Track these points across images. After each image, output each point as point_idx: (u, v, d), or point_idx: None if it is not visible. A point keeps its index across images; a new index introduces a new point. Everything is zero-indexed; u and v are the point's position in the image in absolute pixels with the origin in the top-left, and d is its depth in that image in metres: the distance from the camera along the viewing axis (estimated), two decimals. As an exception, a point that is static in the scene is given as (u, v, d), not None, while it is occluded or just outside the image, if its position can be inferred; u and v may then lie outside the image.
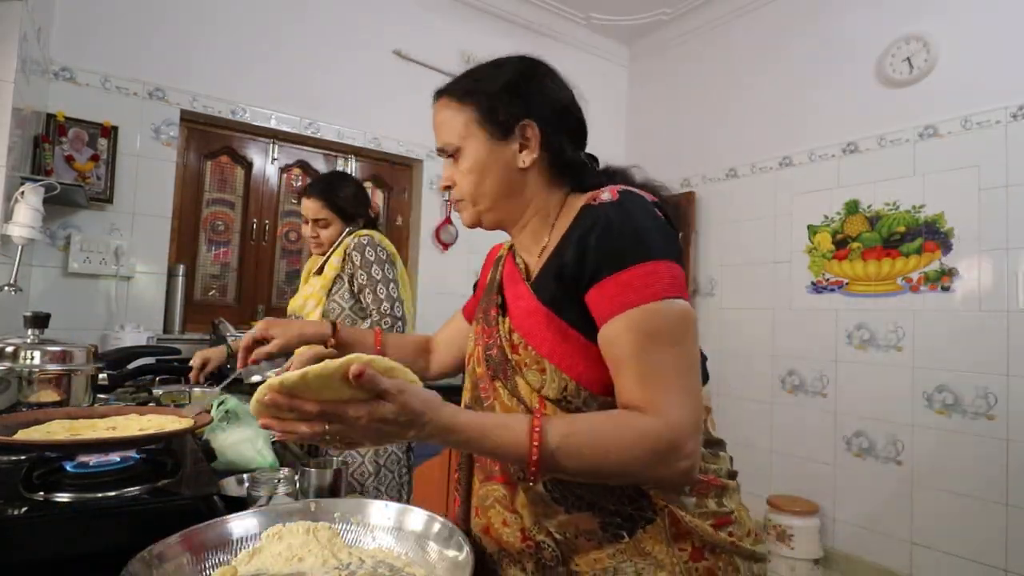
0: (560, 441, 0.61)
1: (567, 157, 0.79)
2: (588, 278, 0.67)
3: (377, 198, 3.28)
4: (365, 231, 1.70)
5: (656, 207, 0.71)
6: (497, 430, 0.62)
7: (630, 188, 0.73)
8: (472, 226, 0.83)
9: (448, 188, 0.82)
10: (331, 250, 1.72)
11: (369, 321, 1.61)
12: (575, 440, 0.61)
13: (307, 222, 1.72)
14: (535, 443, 0.61)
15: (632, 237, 0.66)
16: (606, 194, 0.71)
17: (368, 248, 1.65)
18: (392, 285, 1.63)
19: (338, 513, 0.75)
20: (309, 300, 1.66)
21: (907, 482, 2.50)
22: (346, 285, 1.65)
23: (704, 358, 0.76)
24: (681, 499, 0.69)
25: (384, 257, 1.65)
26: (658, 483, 0.66)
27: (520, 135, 0.76)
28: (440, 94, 0.81)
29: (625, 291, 0.64)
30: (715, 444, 0.78)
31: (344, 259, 1.66)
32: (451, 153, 0.79)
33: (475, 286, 1.00)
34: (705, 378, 0.76)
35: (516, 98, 0.76)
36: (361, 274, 1.62)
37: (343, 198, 1.70)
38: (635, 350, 0.63)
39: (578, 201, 0.76)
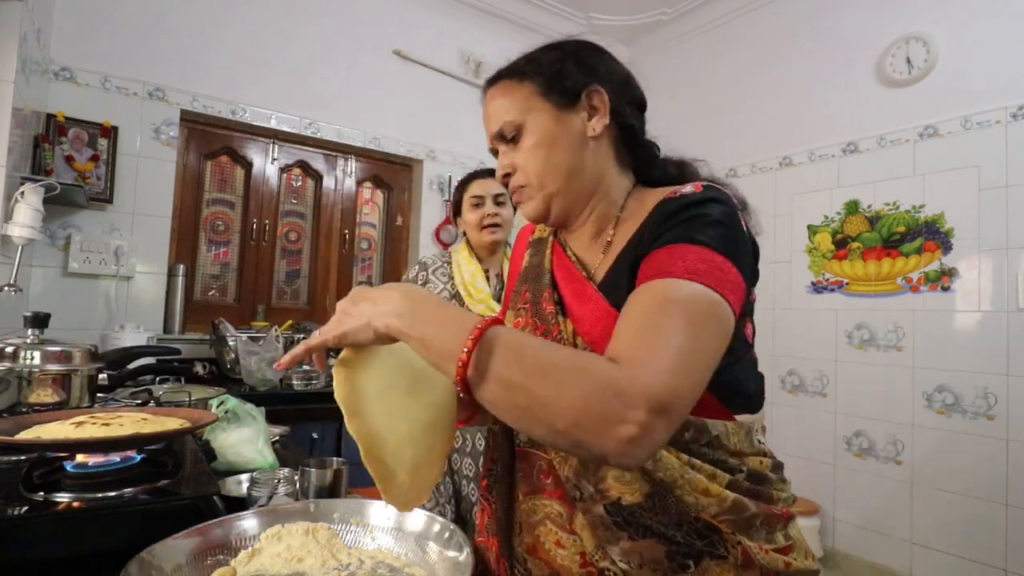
0: (502, 339, 0.50)
1: (636, 130, 0.74)
2: (646, 247, 0.62)
3: (377, 198, 3.28)
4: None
5: (740, 212, 0.65)
6: (453, 311, 0.55)
7: (716, 185, 0.67)
8: (537, 219, 0.75)
9: (507, 177, 0.74)
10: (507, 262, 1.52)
11: None
12: (519, 346, 0.51)
13: (479, 204, 1.51)
14: (472, 336, 0.50)
15: (698, 222, 0.60)
16: (689, 187, 0.65)
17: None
18: None
19: (337, 514, 0.75)
20: None
21: (907, 482, 2.50)
22: None
23: (761, 377, 0.71)
24: (751, 532, 0.63)
25: None
26: (583, 445, 0.49)
27: (588, 102, 0.71)
28: (493, 81, 0.75)
29: (665, 262, 0.58)
30: (780, 468, 0.71)
31: None
32: (511, 135, 0.71)
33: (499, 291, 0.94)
34: (761, 402, 0.70)
35: (580, 65, 0.72)
36: None
37: None
38: (646, 309, 0.55)
39: (651, 196, 0.70)
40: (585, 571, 0.63)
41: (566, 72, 0.71)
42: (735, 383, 0.65)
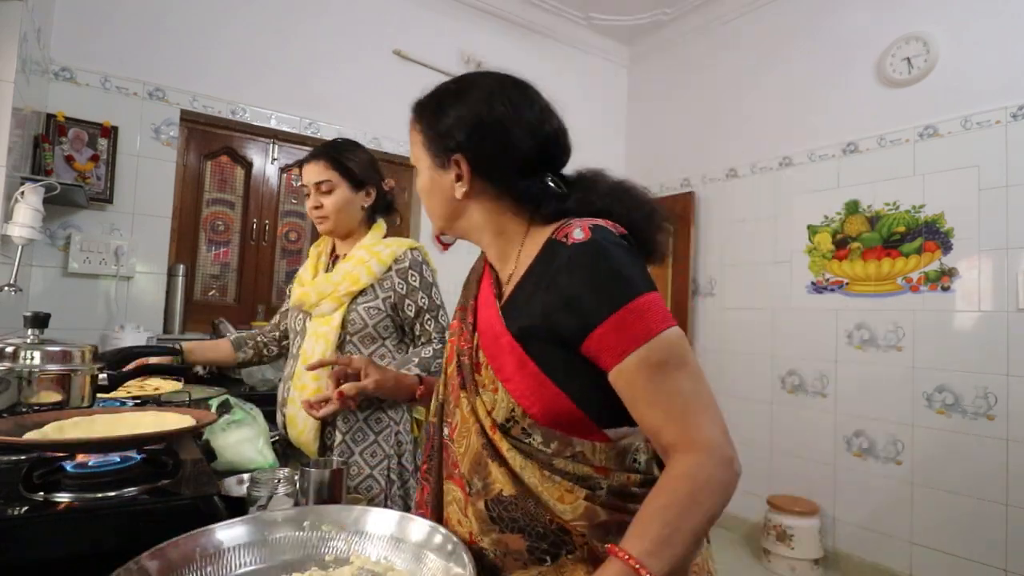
0: (660, 555, 0.58)
1: (516, 188, 0.76)
2: (582, 329, 0.67)
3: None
4: (414, 244, 1.43)
5: (624, 239, 0.71)
6: None
7: (598, 222, 0.71)
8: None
9: None
10: (360, 249, 1.40)
11: (430, 348, 1.35)
12: (668, 542, 0.59)
13: (308, 193, 1.42)
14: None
15: (616, 277, 0.67)
16: (577, 231, 0.69)
17: (425, 267, 1.39)
18: (443, 312, 1.40)
19: (333, 521, 0.74)
20: (326, 301, 1.35)
21: (907, 482, 2.50)
22: (379, 300, 1.35)
23: None
24: (606, 537, 0.67)
25: (434, 279, 1.42)
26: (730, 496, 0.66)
27: (455, 167, 0.76)
28: (413, 108, 0.82)
29: (624, 334, 0.65)
30: (651, 483, 0.68)
31: (388, 270, 1.37)
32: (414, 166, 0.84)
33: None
34: None
35: (454, 130, 0.75)
36: (422, 297, 1.37)
37: (350, 158, 1.41)
38: (652, 385, 0.65)
39: (542, 233, 0.75)
40: (474, 546, 0.74)
41: (437, 136, 0.77)
42: (603, 398, 0.68)
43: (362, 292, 1.35)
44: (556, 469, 0.70)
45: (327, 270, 1.46)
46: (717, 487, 0.62)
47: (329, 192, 1.39)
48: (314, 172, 1.39)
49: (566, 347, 0.69)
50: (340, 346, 1.34)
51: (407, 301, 1.36)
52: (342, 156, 1.39)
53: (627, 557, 0.58)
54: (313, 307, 1.37)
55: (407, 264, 1.37)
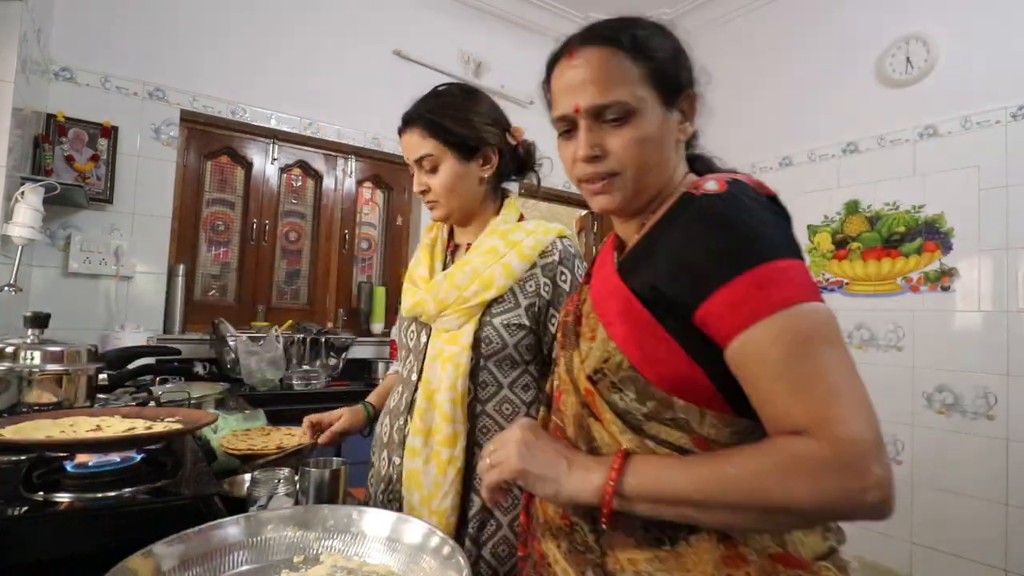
0: (642, 481, 0.55)
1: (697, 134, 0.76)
2: (695, 295, 0.55)
3: (377, 198, 3.26)
4: (563, 231, 1.08)
5: (772, 200, 0.62)
6: (582, 458, 0.61)
7: (739, 176, 0.62)
8: (609, 212, 0.71)
9: (596, 160, 0.69)
10: (492, 236, 1.06)
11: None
12: (676, 502, 0.53)
13: (413, 173, 1.10)
14: (611, 480, 0.55)
15: (748, 233, 0.56)
16: (711, 183, 0.60)
17: (578, 262, 1.06)
18: None
19: (332, 522, 0.73)
20: (450, 313, 1.01)
21: (907, 482, 2.50)
22: (521, 310, 1.00)
23: None
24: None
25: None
26: (842, 519, 0.55)
27: (682, 104, 0.71)
28: (594, 39, 0.67)
29: (753, 296, 0.52)
30: None
31: (532, 267, 1.02)
32: (614, 116, 0.65)
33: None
34: None
35: (688, 63, 0.71)
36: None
37: (454, 117, 1.04)
38: (786, 360, 0.51)
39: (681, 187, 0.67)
40: (563, 523, 0.67)
41: (680, 68, 0.67)
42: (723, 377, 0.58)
43: (498, 299, 1.01)
44: (649, 435, 0.59)
45: (445, 266, 1.12)
46: (819, 493, 0.48)
47: (434, 169, 1.05)
48: (411, 145, 1.06)
49: (677, 316, 0.58)
50: (473, 373, 1.00)
51: (551, 311, 1.01)
52: (443, 118, 1.04)
53: (611, 483, 0.55)
54: (433, 319, 1.04)
55: (556, 258, 1.03)
